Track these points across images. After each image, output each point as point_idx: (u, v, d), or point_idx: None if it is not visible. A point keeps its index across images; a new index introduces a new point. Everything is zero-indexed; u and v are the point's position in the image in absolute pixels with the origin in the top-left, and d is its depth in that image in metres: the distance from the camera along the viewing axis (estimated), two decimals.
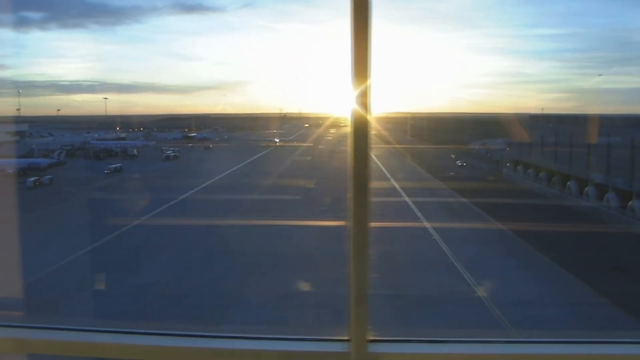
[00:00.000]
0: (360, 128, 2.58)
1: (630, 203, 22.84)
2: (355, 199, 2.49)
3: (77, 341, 2.49)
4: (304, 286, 15.88)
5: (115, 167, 32.30)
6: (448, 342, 2.40)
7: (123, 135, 43.08)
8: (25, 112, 38.11)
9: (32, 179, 29.20)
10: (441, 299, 15.01)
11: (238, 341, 2.48)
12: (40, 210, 23.63)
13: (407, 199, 26.52)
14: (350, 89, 2.53)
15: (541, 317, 13.83)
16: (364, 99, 2.53)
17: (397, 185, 29.02)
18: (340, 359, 2.43)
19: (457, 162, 33.96)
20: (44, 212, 23.78)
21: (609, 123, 26.39)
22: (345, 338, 2.39)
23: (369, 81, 2.52)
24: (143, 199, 25.40)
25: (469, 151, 38.11)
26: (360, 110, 2.52)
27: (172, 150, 39.19)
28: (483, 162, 35.03)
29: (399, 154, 39.23)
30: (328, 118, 45.45)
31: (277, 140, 44.90)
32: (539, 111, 39.69)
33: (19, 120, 37.03)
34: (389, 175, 31.63)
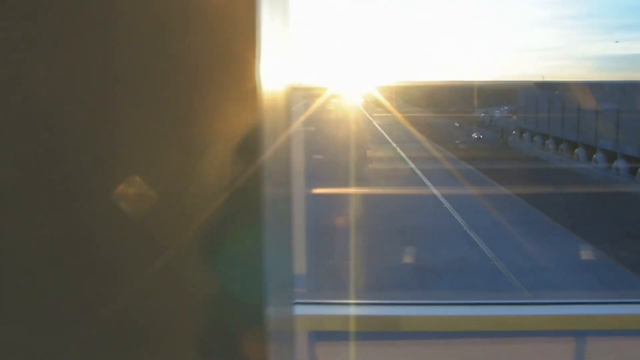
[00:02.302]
0: None
1: None
2: None
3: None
4: None
5: None
6: None
7: None
8: None
9: None
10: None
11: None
12: None
13: (413, 165, 26.65)
14: None
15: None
16: None
17: (403, 154, 29.12)
18: None
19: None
20: None
21: (616, 90, 26.47)
22: None
23: None
24: None
25: (472, 119, 38.11)
26: None
27: None
28: (488, 130, 35.08)
29: (401, 122, 39.22)
30: (326, 90, 45.05)
31: None
32: (540, 78, 39.57)
33: None
34: (394, 145, 31.72)
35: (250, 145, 1.28)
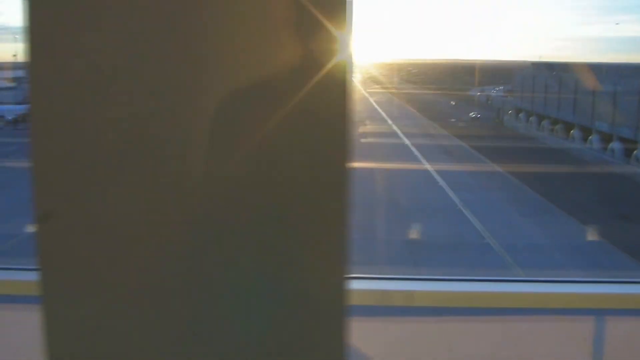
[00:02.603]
0: None
1: (635, 152, 23.06)
2: None
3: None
4: None
5: None
6: None
7: None
8: (23, 58, 37.45)
9: None
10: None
11: None
12: None
13: (407, 141, 26.63)
14: None
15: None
16: None
17: (398, 131, 29.11)
18: None
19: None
20: None
21: (614, 72, 26.44)
22: None
23: None
24: None
25: (468, 98, 38.09)
26: None
27: None
28: (484, 109, 35.06)
29: (397, 99, 39.21)
30: None
31: None
32: (537, 59, 39.47)
33: (16, 66, 36.74)
34: (390, 122, 31.71)
35: (341, 119, 1.32)
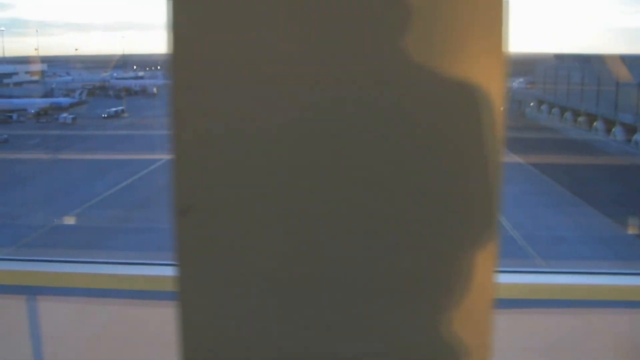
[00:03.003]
0: None
1: None
2: None
3: None
4: None
5: (116, 111, 30.95)
6: None
7: (141, 74, 42.84)
8: (44, 52, 37.85)
9: (64, 115, 29.06)
10: None
11: None
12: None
13: None
14: None
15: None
16: None
17: None
18: None
19: None
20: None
21: (638, 62, 26.12)
22: None
23: None
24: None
25: None
26: None
27: None
28: (505, 101, 34.73)
29: None
30: None
31: None
32: (559, 50, 39.03)
33: (37, 60, 37.04)
34: None
35: (494, 115, 1.39)
